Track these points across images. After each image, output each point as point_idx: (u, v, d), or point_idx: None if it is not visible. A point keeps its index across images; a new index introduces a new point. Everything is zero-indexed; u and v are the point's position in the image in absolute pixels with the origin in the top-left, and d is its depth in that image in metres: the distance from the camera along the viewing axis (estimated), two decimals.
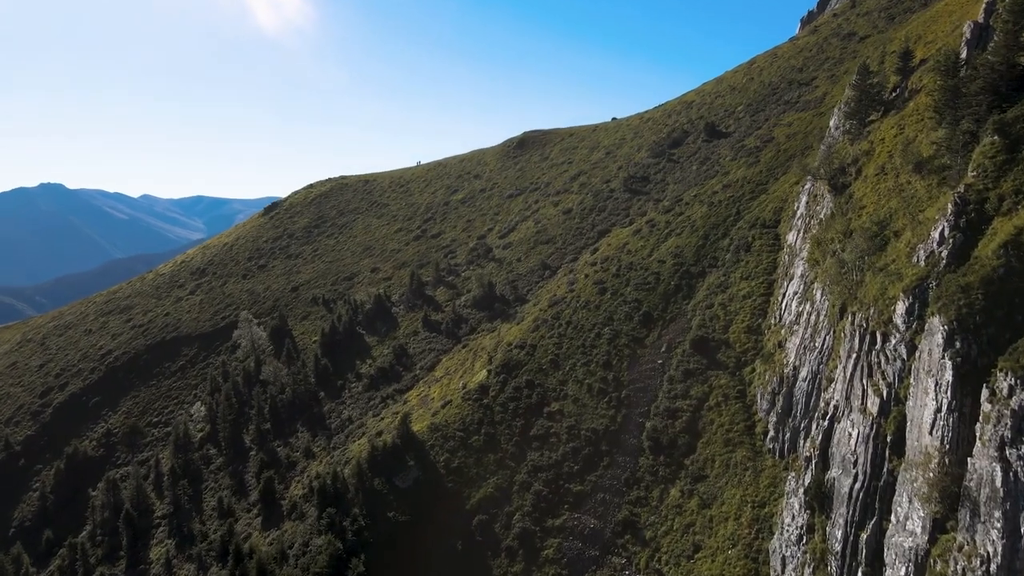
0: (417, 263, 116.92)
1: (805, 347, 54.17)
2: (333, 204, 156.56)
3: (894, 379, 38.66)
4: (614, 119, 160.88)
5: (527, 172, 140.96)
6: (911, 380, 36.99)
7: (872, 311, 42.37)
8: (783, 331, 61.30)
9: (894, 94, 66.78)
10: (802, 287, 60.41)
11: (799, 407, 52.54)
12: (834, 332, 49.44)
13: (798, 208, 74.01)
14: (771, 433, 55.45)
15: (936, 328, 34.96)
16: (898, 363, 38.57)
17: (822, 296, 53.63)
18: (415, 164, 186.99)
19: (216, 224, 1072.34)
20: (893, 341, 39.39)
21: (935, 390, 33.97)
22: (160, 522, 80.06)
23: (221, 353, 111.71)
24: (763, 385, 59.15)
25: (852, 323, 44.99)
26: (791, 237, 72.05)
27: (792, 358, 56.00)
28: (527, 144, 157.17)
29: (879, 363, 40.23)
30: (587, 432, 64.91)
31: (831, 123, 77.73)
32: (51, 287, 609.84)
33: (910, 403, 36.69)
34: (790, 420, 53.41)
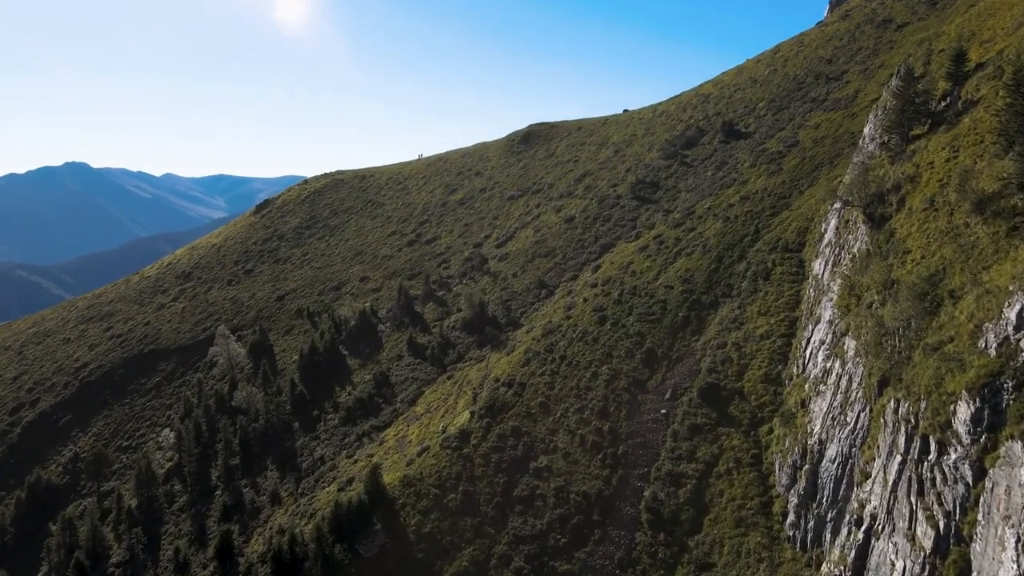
0: (408, 273, 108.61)
1: (833, 418, 45.15)
2: (327, 202, 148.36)
3: (954, 508, 29.69)
4: (625, 111, 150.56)
5: (530, 170, 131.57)
6: (979, 517, 28.05)
7: (923, 405, 33.27)
8: (807, 387, 52.22)
9: (943, 104, 56.70)
10: (830, 337, 51.18)
11: (826, 493, 43.66)
12: (870, 411, 40.35)
13: (826, 231, 64.51)
14: (791, 517, 46.67)
15: (1018, 458, 25.99)
16: (960, 488, 29.57)
17: (855, 358, 44.45)
18: (417, 157, 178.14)
19: (237, 203, 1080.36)
20: (953, 456, 30.36)
21: (1017, 548, 25.05)
22: (115, 571, 73.23)
23: (199, 369, 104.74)
24: (782, 454, 50.25)
25: (895, 412, 35.93)
26: (817, 266, 62.61)
27: (818, 427, 47.00)
28: (532, 138, 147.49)
29: (933, 480, 31.25)
30: (577, 496, 56.46)
31: (865, 131, 67.79)
32: (76, 265, 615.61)
33: (976, 547, 27.82)
34: (814, 506, 44.57)
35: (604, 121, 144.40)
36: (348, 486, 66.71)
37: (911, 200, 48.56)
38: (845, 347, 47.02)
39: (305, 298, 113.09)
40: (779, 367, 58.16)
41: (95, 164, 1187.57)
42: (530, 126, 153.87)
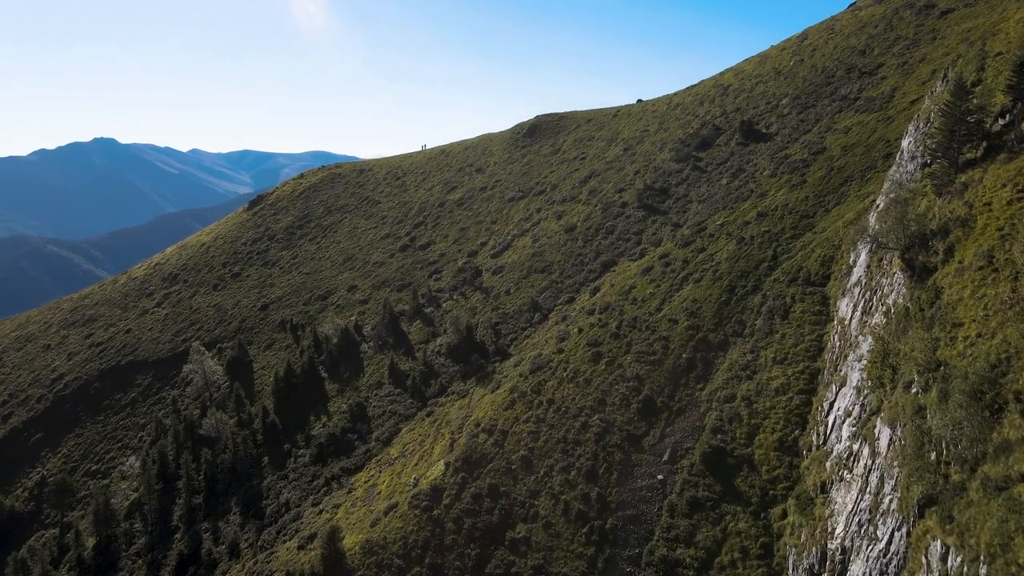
0: (398, 283, 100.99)
1: (860, 523, 36.82)
2: (321, 200, 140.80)
3: None
4: (639, 101, 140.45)
5: (534, 167, 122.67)
6: None
7: (984, 572, 24.88)
8: (828, 465, 43.83)
9: (1002, 122, 47.17)
10: (858, 410, 42.65)
11: None
12: (908, 534, 31.98)
13: (855, 264, 55.60)
14: None
15: None
16: None
17: (890, 454, 35.97)
18: (421, 148, 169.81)
19: (262, 178, 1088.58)
20: None
21: None
22: None
23: (176, 385, 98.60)
24: (797, 550, 42.07)
25: (943, 560, 27.61)
26: (844, 308, 53.80)
27: (840, 528, 38.72)
28: (538, 131, 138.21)
29: None
30: None
31: (904, 144, 58.24)
32: (105, 241, 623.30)
33: None
34: None
35: (615, 113, 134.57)
36: (309, 543, 59.92)
37: (962, 251, 39.53)
38: (876, 432, 38.49)
39: (290, 308, 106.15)
40: (796, 431, 49.72)
41: (123, 140, 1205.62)
42: (537, 117, 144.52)
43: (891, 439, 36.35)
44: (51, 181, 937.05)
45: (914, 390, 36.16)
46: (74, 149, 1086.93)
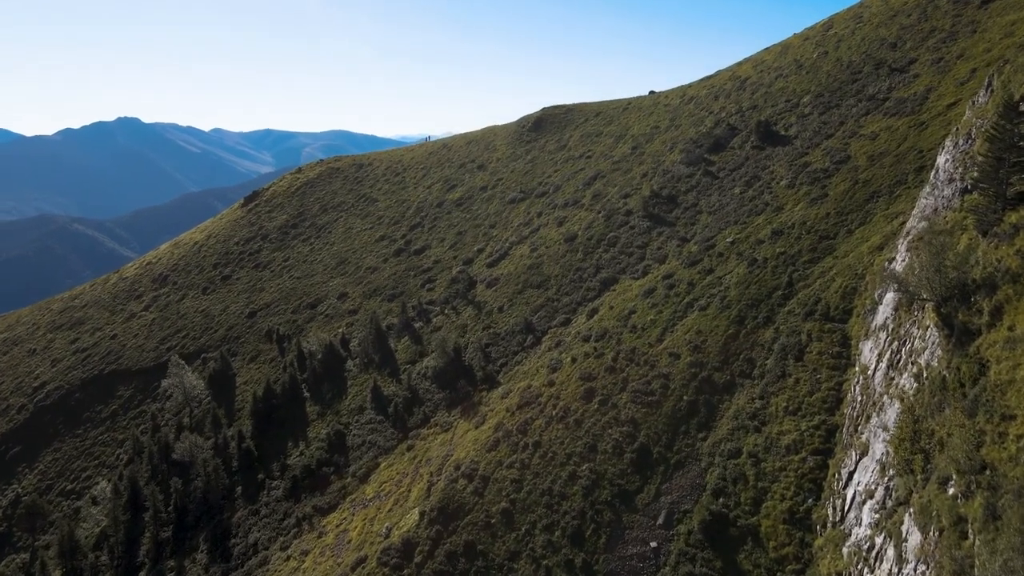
0: (389, 292, 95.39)
1: None
2: (318, 196, 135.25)
3: None
4: (652, 93, 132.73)
5: (538, 165, 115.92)
6: None
7: None
8: (846, 553, 37.66)
9: None
10: (881, 492, 36.32)
11: None
12: None
13: (880, 302, 48.89)
14: None
15: None
16: None
17: (920, 567, 29.73)
18: (425, 139, 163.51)
19: (283, 157, 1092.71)
20: None
21: None
22: None
23: (157, 398, 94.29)
24: None
25: None
26: (867, 353, 47.21)
27: None
28: (544, 124, 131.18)
29: None
30: None
31: (939, 161, 50.90)
32: (130, 220, 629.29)
33: None
34: None
35: (626, 105, 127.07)
36: None
37: (1013, 315, 32.80)
38: (904, 532, 32.23)
39: (278, 315, 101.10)
40: (809, 501, 43.49)
41: (146, 119, 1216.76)
42: (543, 109, 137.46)
43: (922, 551, 30.07)
44: (76, 160, 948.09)
45: (951, 491, 29.79)
46: (98, 128, 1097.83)
